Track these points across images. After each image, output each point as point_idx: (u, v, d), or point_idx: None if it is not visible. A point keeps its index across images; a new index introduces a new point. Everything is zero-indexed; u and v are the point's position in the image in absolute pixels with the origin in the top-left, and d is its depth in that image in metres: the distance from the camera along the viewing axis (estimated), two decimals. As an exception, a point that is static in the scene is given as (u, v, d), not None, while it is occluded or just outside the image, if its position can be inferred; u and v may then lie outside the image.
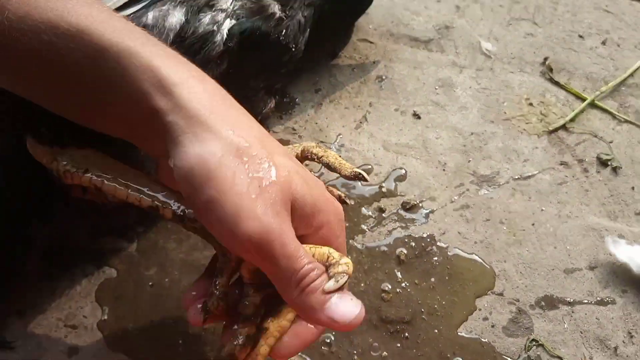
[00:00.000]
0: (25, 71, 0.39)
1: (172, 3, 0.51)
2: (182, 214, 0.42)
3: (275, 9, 0.55)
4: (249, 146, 0.36)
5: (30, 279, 0.58)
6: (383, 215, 0.62)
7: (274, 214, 0.35)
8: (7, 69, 0.39)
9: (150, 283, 0.58)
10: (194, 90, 0.37)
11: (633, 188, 0.65)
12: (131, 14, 0.49)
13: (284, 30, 0.57)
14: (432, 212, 0.63)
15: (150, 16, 0.50)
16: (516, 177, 0.66)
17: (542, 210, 0.63)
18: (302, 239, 0.38)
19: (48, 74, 0.38)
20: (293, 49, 0.60)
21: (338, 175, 0.60)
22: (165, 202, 0.43)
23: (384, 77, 0.74)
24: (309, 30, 0.63)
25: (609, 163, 0.66)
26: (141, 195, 0.43)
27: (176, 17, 0.51)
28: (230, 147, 0.35)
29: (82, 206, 0.62)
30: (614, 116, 0.70)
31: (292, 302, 0.36)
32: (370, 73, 0.75)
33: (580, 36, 0.78)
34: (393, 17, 0.80)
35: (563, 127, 0.69)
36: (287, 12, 0.57)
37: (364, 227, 0.61)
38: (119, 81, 0.36)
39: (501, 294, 0.58)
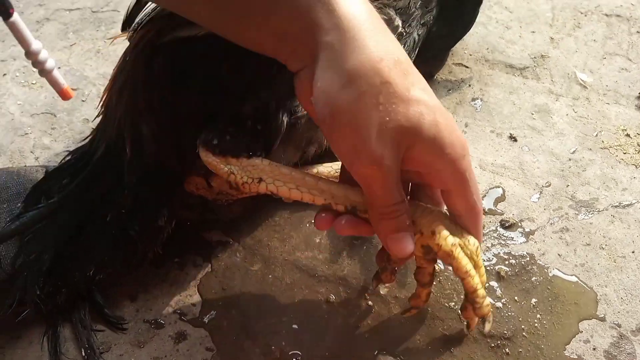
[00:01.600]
0: None
1: None
2: (352, 207, 0.48)
3: (399, 23, 0.58)
4: (390, 82, 0.39)
5: (143, 265, 0.61)
6: (483, 231, 0.63)
7: (389, 154, 0.40)
8: None
9: (254, 279, 0.60)
10: (354, 12, 0.40)
11: None
12: None
13: (404, 46, 0.60)
14: (531, 232, 0.63)
15: None
16: (615, 204, 0.66)
17: (642, 239, 0.63)
18: (433, 174, 0.43)
19: None
20: None
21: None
22: (336, 198, 0.48)
23: (479, 100, 0.76)
24: (418, 49, 0.66)
25: None
26: (314, 194, 0.49)
27: None
28: (374, 81, 0.38)
29: (192, 200, 0.66)
30: None
31: (372, 219, 0.45)
32: (466, 95, 0.77)
33: (677, 73, 0.79)
34: (488, 45, 0.83)
35: (661, 159, 0.70)
36: (406, 29, 0.60)
37: (463, 241, 0.62)
38: None
39: (603, 319, 0.57)
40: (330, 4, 0.39)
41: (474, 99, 0.77)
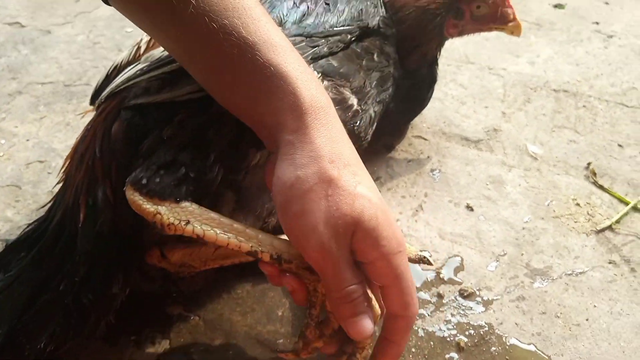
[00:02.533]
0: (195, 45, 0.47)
1: None
2: (278, 256, 0.49)
3: (354, 102, 0.62)
4: (339, 179, 0.44)
5: (94, 338, 0.59)
6: (442, 301, 0.64)
7: (335, 241, 0.44)
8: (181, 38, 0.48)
9: (215, 354, 0.59)
10: (318, 123, 0.46)
11: (683, 291, 0.67)
12: None
13: (358, 122, 0.63)
14: (489, 301, 0.65)
15: None
16: (568, 272, 0.68)
17: (594, 306, 0.65)
18: (371, 266, 0.45)
19: (210, 56, 0.47)
20: (363, 140, 0.66)
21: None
22: (263, 246, 0.49)
23: (437, 171, 0.80)
24: (375, 124, 0.70)
25: (657, 265, 0.69)
26: (241, 242, 0.49)
27: None
28: (324, 176, 0.44)
29: (153, 273, 0.66)
30: (658, 221, 0.74)
31: (330, 302, 0.47)
32: (425, 166, 0.80)
33: (620, 145, 0.84)
34: (445, 118, 0.88)
35: (609, 228, 0.73)
36: (362, 106, 0.64)
37: (423, 312, 0.63)
38: (265, 92, 0.46)
39: (561, 388, 0.58)
40: (298, 111, 0.45)
41: (432, 170, 0.80)
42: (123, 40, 1.02)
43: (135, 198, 0.50)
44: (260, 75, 0.45)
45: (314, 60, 0.58)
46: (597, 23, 1.07)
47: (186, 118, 0.52)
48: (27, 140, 0.79)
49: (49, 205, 0.61)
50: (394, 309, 0.47)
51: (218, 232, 0.49)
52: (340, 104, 0.60)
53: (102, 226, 0.54)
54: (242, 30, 0.45)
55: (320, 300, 0.49)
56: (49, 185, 0.77)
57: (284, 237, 0.49)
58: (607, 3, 1.13)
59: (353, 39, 0.63)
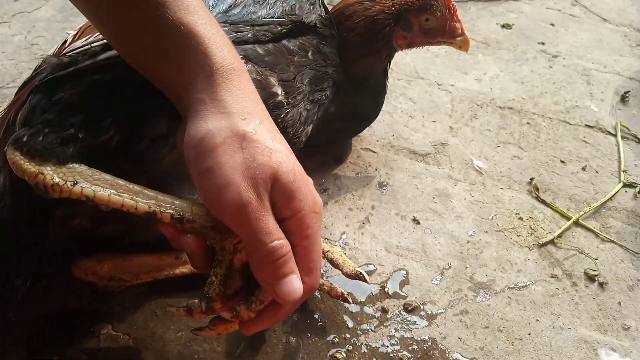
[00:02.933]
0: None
1: None
2: (180, 215, 0.45)
3: (279, 91, 0.59)
4: (253, 132, 0.43)
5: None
6: (386, 316, 0.63)
7: (255, 192, 0.41)
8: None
9: (147, 372, 0.56)
10: (229, 83, 0.44)
11: (620, 303, 0.68)
12: None
13: (283, 114, 0.60)
14: (433, 315, 0.64)
15: None
16: (511, 286, 0.68)
17: (537, 320, 0.65)
18: (284, 222, 0.43)
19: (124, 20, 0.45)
20: (293, 137, 0.63)
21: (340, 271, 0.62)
22: (163, 206, 0.45)
23: (385, 184, 0.79)
24: (311, 126, 0.67)
25: (596, 278, 0.70)
26: (137, 202, 0.45)
27: None
28: (237, 130, 0.42)
29: (80, 289, 0.62)
30: (597, 235, 0.75)
31: (253, 264, 0.43)
32: (373, 179, 0.80)
33: (562, 161, 0.86)
34: (394, 132, 0.87)
35: (551, 242, 0.74)
36: (289, 100, 0.61)
37: (367, 327, 0.62)
38: (175, 52, 0.45)
39: (502, 404, 0.58)
40: (208, 71, 0.44)
41: (380, 183, 0.79)
42: (63, 43, 0.97)
43: (16, 158, 0.45)
44: (170, 34, 0.44)
45: (236, 43, 0.56)
46: (543, 43, 1.11)
47: (82, 80, 0.49)
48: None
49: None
50: (300, 270, 0.44)
51: (110, 192, 0.45)
52: (264, 88, 0.58)
53: (2, 213, 0.51)
54: None
55: (228, 260, 0.45)
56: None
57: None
58: (552, 24, 1.17)
59: (284, 31, 0.61)
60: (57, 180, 0.45)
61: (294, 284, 0.43)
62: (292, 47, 0.62)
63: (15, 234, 0.51)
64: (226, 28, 0.56)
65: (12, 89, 0.88)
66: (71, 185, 0.45)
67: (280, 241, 0.42)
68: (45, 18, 1.04)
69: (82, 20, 0.96)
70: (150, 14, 0.44)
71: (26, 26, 1.02)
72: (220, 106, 0.43)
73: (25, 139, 0.46)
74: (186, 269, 0.62)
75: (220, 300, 0.46)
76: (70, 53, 0.54)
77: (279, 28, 0.60)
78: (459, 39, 0.75)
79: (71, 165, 0.46)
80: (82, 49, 0.54)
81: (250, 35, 0.57)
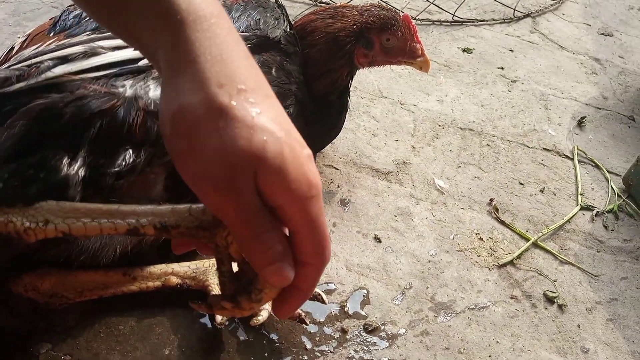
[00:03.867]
0: None
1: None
2: (161, 225, 0.41)
3: None
4: (230, 107, 0.35)
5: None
6: (346, 336, 0.61)
7: (233, 182, 0.35)
8: None
9: (87, 397, 0.51)
10: (200, 36, 0.36)
11: (579, 326, 0.68)
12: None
13: None
14: (393, 336, 0.62)
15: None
16: (471, 306, 0.68)
17: (497, 342, 0.64)
18: (279, 209, 0.38)
19: None
20: None
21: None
22: (143, 220, 0.41)
23: (347, 201, 0.78)
24: None
25: (555, 300, 0.70)
26: (116, 222, 0.42)
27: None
28: (213, 105, 0.35)
29: (20, 306, 0.57)
30: (555, 257, 0.76)
31: (245, 256, 0.40)
32: (335, 196, 0.78)
33: (521, 183, 0.87)
34: (356, 149, 0.86)
35: (511, 262, 0.74)
36: None
37: (326, 348, 0.59)
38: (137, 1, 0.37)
39: None
40: (173, 22, 0.37)
41: (342, 200, 0.78)
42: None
43: None
44: None
45: None
46: (502, 68, 1.13)
47: (37, 106, 0.46)
48: None
49: None
50: (304, 257, 0.40)
51: (86, 221, 0.42)
52: None
53: None
54: None
55: (226, 255, 0.42)
56: None
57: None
58: (511, 50, 1.20)
59: (249, 46, 0.60)
60: (27, 224, 0.42)
61: (284, 271, 0.38)
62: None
63: None
64: None
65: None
66: (43, 225, 0.42)
67: (267, 234, 0.38)
68: (-4, 21, 0.99)
69: (34, 25, 0.92)
70: None
71: (-25, 29, 0.97)
72: (192, 71, 0.36)
73: None
74: (135, 286, 0.59)
75: (237, 288, 0.43)
76: (18, 65, 0.51)
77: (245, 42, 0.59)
78: (419, 59, 0.75)
79: (38, 205, 0.43)
80: (33, 61, 0.51)
81: None
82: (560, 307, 0.70)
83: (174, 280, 0.60)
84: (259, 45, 0.62)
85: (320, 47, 0.72)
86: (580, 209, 0.83)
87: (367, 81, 1.01)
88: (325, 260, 0.40)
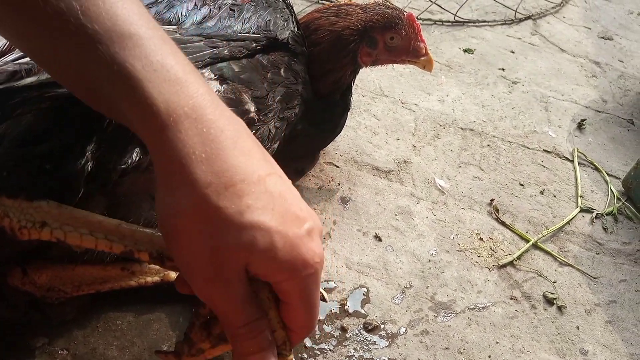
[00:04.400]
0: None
1: None
2: (158, 254, 0.41)
3: (251, 108, 0.57)
4: (220, 208, 0.35)
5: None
6: (346, 335, 0.60)
7: (222, 277, 0.37)
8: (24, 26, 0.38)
9: (84, 393, 0.51)
10: (184, 136, 0.36)
11: (578, 327, 0.68)
12: None
13: (253, 132, 0.58)
14: (393, 335, 0.62)
15: None
16: (471, 307, 0.67)
17: (497, 342, 0.64)
18: (276, 285, 0.39)
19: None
20: None
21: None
22: (141, 245, 0.41)
23: (347, 199, 0.77)
24: (278, 143, 0.66)
25: (555, 302, 0.70)
26: (112, 240, 0.41)
27: None
28: (201, 208, 0.36)
29: (16, 298, 0.56)
30: (555, 258, 0.76)
31: (232, 342, 0.39)
32: (335, 194, 0.78)
33: (521, 184, 0.87)
34: (357, 147, 0.86)
35: (511, 263, 0.74)
36: (261, 117, 0.59)
37: (325, 346, 0.59)
38: (116, 97, 0.37)
39: None
40: (152, 126, 0.36)
41: (342, 198, 0.77)
42: None
43: None
44: (107, 73, 0.36)
45: (212, 61, 0.54)
46: (503, 69, 1.13)
47: (46, 100, 0.45)
48: None
49: None
50: (292, 325, 0.41)
51: (83, 232, 0.41)
52: (236, 105, 0.56)
53: None
54: (81, 16, 0.36)
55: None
56: None
57: None
58: (512, 52, 1.20)
59: (259, 47, 0.60)
60: (24, 223, 0.41)
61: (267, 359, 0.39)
62: (265, 63, 0.61)
63: None
64: (202, 42, 0.53)
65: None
66: (39, 227, 0.41)
67: (254, 323, 0.39)
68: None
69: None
70: (82, 49, 0.36)
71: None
72: (180, 172, 0.36)
73: None
74: (133, 281, 0.58)
75: (208, 340, 0.43)
76: (26, 59, 0.50)
77: (254, 44, 0.58)
78: (422, 58, 0.75)
79: (38, 204, 0.42)
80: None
81: (226, 51, 0.55)
82: (559, 308, 0.70)
83: (173, 275, 0.59)
84: (268, 46, 0.62)
85: (324, 45, 0.71)
86: (580, 211, 0.83)
87: (368, 79, 1.01)
88: (311, 330, 0.42)
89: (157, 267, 0.59)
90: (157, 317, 0.58)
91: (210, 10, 0.56)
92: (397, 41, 0.73)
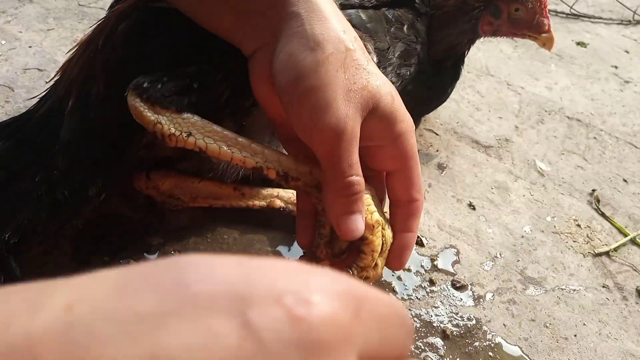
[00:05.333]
0: None
1: None
2: (285, 172, 0.45)
3: (374, 58, 0.59)
4: (354, 50, 0.41)
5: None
6: (433, 288, 0.62)
7: (352, 118, 0.40)
8: None
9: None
10: None
11: (671, 326, 0.65)
12: None
13: None
14: (480, 297, 0.62)
15: None
16: (562, 287, 0.66)
17: (584, 324, 0.63)
18: (382, 149, 0.43)
19: None
20: None
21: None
22: (269, 162, 0.45)
23: (444, 166, 0.78)
24: None
25: (649, 297, 0.68)
26: (245, 157, 0.45)
27: None
28: (339, 46, 0.40)
29: (138, 201, 0.61)
30: (654, 256, 0.73)
31: (326, 195, 0.42)
32: (433, 159, 0.78)
33: (625, 180, 0.84)
34: (459, 119, 0.86)
35: (607, 253, 0.72)
36: (380, 69, 0.61)
37: (413, 294, 0.61)
38: None
39: (541, 396, 0.56)
40: None
41: (439, 164, 0.78)
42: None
43: (137, 104, 0.46)
44: None
45: (342, 7, 0.56)
46: (616, 67, 1.09)
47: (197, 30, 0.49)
48: (30, 47, 0.75)
49: (40, 97, 0.57)
50: (404, 193, 0.44)
51: (221, 145, 0.45)
52: None
53: (90, 122, 0.50)
54: None
55: (329, 221, 0.45)
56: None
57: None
58: (627, 52, 1.14)
59: (387, 1, 0.61)
60: (173, 131, 0.46)
61: (358, 223, 0.42)
62: (390, 17, 0.62)
63: (99, 146, 0.51)
64: None
65: (93, 9, 0.90)
66: (186, 136, 0.46)
67: (358, 177, 0.41)
68: None
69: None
70: None
71: None
72: (320, 18, 0.41)
73: (145, 85, 0.46)
74: (242, 202, 0.62)
75: (329, 259, 0.47)
76: None
77: None
78: (544, 35, 0.74)
79: (185, 116, 0.46)
80: None
81: (357, 0, 0.57)
82: (654, 305, 0.67)
83: (278, 203, 0.62)
84: (395, 1, 0.63)
85: (447, 9, 0.72)
86: (687, 216, 0.79)
87: (475, 58, 1.00)
88: (421, 202, 0.46)
89: (265, 193, 0.63)
90: (259, 238, 0.61)
91: None
92: (521, 13, 0.72)
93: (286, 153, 0.48)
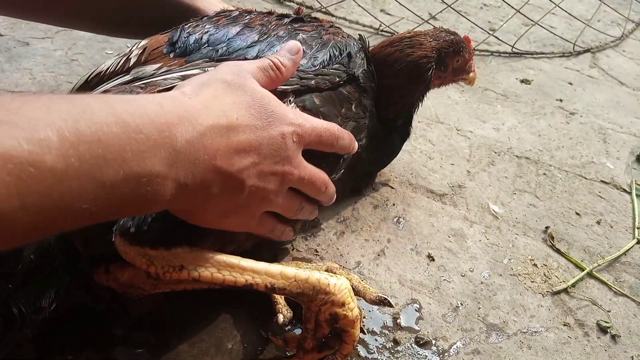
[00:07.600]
0: None
1: None
2: (271, 286, 0.51)
3: None
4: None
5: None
6: (398, 348, 0.63)
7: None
8: None
9: (157, 381, 0.55)
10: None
11: (632, 358, 0.67)
12: None
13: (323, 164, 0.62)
14: (444, 351, 0.64)
15: None
16: (524, 330, 0.68)
17: (548, 366, 0.65)
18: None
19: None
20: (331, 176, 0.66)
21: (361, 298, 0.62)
22: (257, 278, 0.51)
23: (402, 219, 0.80)
24: (342, 171, 0.70)
25: (608, 330, 0.70)
26: (236, 278, 0.51)
27: None
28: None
29: (100, 292, 0.62)
30: (610, 288, 0.76)
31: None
32: (390, 213, 0.81)
33: (577, 214, 0.87)
34: (412, 170, 0.89)
35: (565, 290, 0.74)
36: None
37: (378, 357, 0.62)
38: None
39: None
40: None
41: (397, 217, 0.80)
42: (102, 60, 1.01)
43: (127, 249, 0.50)
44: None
45: (300, 92, 0.59)
46: (561, 100, 1.14)
47: None
48: None
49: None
50: None
51: (213, 271, 0.50)
52: None
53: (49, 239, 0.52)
54: None
55: (314, 318, 0.53)
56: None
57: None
58: (570, 83, 1.20)
59: (340, 82, 0.65)
60: (166, 268, 0.50)
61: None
62: (340, 99, 0.65)
63: (59, 259, 0.52)
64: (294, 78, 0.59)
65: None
66: (179, 270, 0.50)
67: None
68: (87, 37, 1.09)
69: (120, 42, 1.00)
70: None
71: (67, 43, 1.06)
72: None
73: (132, 230, 0.49)
74: (204, 284, 0.63)
75: (314, 345, 0.55)
76: (139, 83, 0.56)
77: (337, 79, 0.63)
78: (471, 74, 0.80)
79: (175, 251, 0.50)
80: (155, 79, 0.56)
81: (313, 82, 0.61)
82: (613, 337, 0.69)
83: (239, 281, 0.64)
84: (346, 81, 0.67)
85: (402, 75, 0.75)
86: (637, 242, 0.83)
87: (424, 107, 1.04)
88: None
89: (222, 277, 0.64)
90: (223, 317, 0.62)
91: (303, 50, 0.62)
92: (460, 62, 0.78)
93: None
